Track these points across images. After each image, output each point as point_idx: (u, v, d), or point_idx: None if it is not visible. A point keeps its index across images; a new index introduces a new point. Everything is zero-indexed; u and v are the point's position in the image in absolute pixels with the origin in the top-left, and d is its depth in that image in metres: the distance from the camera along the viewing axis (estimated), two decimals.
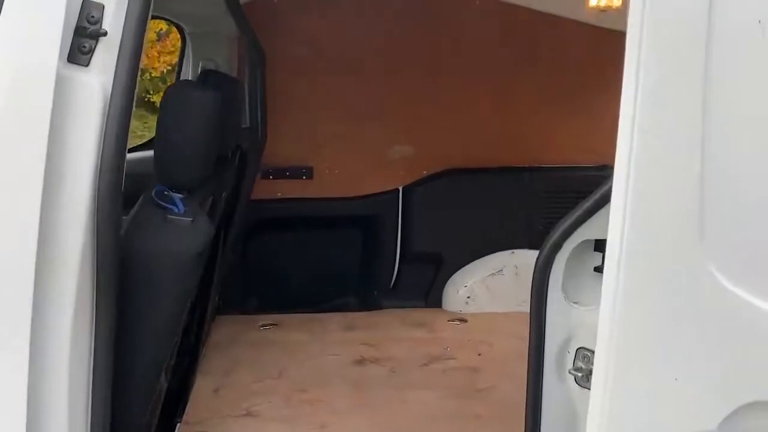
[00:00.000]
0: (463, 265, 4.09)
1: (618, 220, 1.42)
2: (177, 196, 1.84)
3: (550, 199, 4.03)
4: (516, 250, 4.08)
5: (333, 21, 3.81)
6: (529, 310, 1.75)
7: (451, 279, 4.09)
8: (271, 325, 3.78)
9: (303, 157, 3.97)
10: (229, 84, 2.89)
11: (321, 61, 3.84)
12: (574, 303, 1.78)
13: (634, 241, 1.40)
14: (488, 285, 4.06)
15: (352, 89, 3.89)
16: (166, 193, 1.83)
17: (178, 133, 1.83)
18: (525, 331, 1.75)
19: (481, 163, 4.03)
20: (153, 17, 3.76)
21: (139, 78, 1.57)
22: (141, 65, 1.57)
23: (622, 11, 3.81)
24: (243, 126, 3.11)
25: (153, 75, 9.86)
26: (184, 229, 1.76)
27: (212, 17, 3.37)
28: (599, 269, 1.78)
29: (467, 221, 4.01)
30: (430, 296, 4.12)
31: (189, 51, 3.69)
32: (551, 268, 1.71)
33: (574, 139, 4.06)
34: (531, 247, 4.06)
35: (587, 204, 1.66)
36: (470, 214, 4.00)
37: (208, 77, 3.12)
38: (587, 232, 1.71)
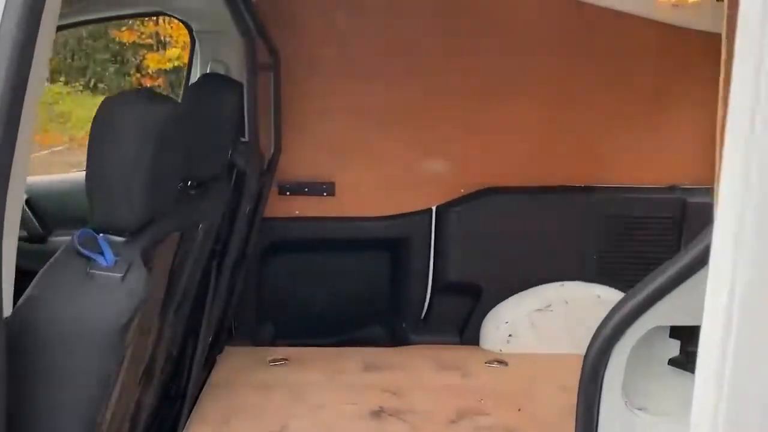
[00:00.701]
0: (505, 298, 3.56)
1: (722, 299, 0.86)
2: (110, 239, 1.41)
3: (607, 225, 3.48)
4: (566, 283, 3.53)
5: (358, 16, 3.35)
6: (582, 354, 1.31)
7: (490, 313, 3.57)
8: (282, 360, 3.34)
9: (324, 171, 3.52)
10: (224, 91, 2.46)
11: (344, 62, 3.39)
12: (639, 410, 1.26)
13: (748, 326, 0.84)
14: (533, 322, 3.52)
15: (380, 95, 3.42)
16: (93, 237, 1.40)
17: (110, 161, 1.40)
18: (574, 380, 1.33)
19: (527, 182, 3.49)
20: (159, 14, 3.37)
21: None
22: None
23: (699, 5, 3.27)
24: (242, 140, 2.67)
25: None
26: (108, 289, 1.32)
27: (221, 14, 2.96)
28: (678, 362, 1.27)
29: (510, 248, 3.49)
30: (466, 332, 3.61)
31: (197, 52, 3.28)
32: (608, 363, 1.20)
33: (638, 155, 3.49)
34: (584, 279, 3.53)
35: (663, 278, 1.14)
36: (514, 239, 3.48)
37: (204, 82, 2.71)
38: (659, 316, 1.18)
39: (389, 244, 3.64)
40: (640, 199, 3.46)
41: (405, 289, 3.66)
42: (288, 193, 3.51)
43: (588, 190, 3.48)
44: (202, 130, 2.11)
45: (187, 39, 3.56)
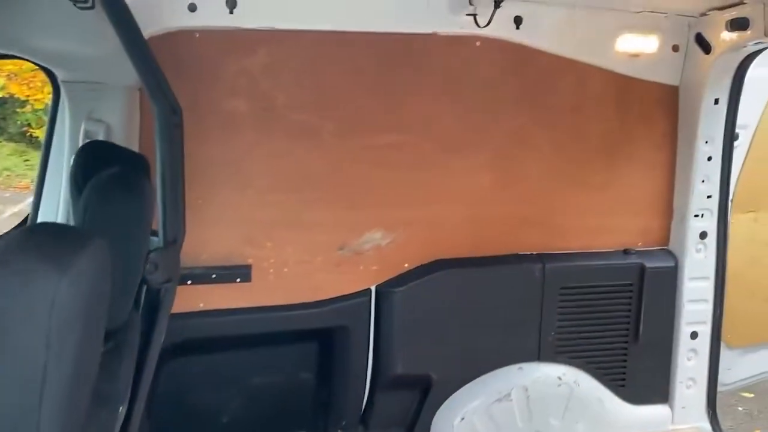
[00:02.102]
0: (459, 388, 3.05)
1: None
2: None
3: (566, 296, 3.10)
4: (524, 365, 3.10)
5: (281, 62, 2.70)
6: None
7: (443, 407, 3.04)
8: None
9: (237, 252, 2.80)
10: (131, 185, 1.72)
11: (264, 118, 2.72)
12: None
13: None
14: (492, 414, 3.04)
15: (307, 157, 2.79)
16: None
17: None
18: None
19: (479, 252, 3.02)
20: (12, 57, 2.42)
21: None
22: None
23: (658, 58, 3.00)
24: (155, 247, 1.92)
25: (36, 107, 8.28)
26: None
27: (99, 58, 2.19)
28: None
29: (463, 329, 3.00)
30: (416, 431, 3.05)
31: (65, 106, 2.44)
32: None
33: (595, 217, 3.15)
34: (544, 358, 3.11)
35: None
36: (467, 318, 2.99)
37: (88, 155, 1.93)
38: None
39: (320, 335, 2.99)
40: (596, 267, 3.13)
41: (339, 386, 3.02)
42: (189, 282, 2.73)
43: (545, 258, 3.07)
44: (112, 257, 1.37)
45: (14, 66, 2.67)
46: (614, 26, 2.89)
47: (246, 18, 2.55)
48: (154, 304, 2.01)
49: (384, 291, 2.94)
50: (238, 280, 2.80)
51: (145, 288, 1.95)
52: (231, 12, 2.50)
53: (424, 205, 2.94)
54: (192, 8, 2.50)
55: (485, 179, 2.97)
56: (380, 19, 2.72)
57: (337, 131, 2.80)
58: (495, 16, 2.59)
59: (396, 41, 2.75)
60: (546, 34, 2.84)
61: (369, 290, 2.94)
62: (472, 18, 2.66)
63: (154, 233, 1.96)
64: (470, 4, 2.54)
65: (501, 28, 2.75)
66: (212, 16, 2.53)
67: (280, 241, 2.82)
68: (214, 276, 2.77)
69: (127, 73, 2.01)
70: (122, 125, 2.36)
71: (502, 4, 2.50)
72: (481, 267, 3.01)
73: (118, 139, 2.37)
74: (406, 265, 2.96)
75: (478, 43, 2.80)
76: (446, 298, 2.97)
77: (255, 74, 2.64)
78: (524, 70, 2.89)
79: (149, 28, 2.31)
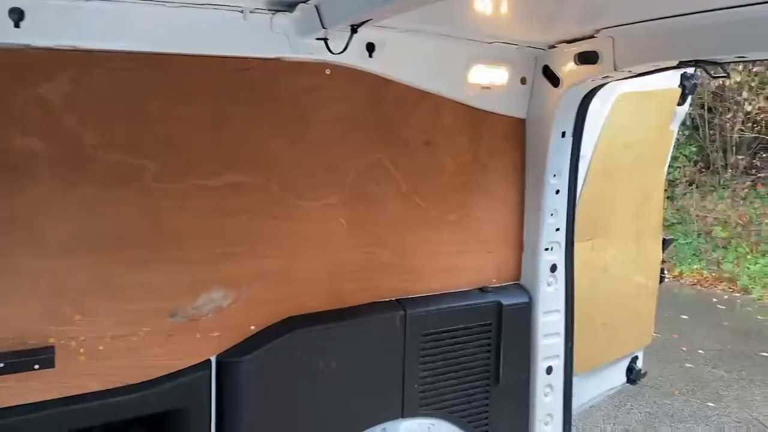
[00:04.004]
0: None
1: None
2: None
3: (428, 342, 2.88)
4: (388, 425, 2.82)
5: (87, 91, 2.13)
6: None
7: None
8: None
9: (34, 331, 2.17)
10: None
11: (66, 161, 2.13)
12: None
13: None
14: None
15: (124, 207, 2.25)
16: None
17: None
18: None
19: (335, 303, 2.68)
20: None
21: None
22: None
23: (507, 90, 2.90)
24: None
25: None
26: None
27: None
28: None
29: (320, 394, 2.63)
30: None
31: None
32: None
33: (452, 256, 2.97)
34: (407, 414, 2.85)
35: None
36: (324, 382, 2.64)
37: None
38: None
39: (147, 423, 2.43)
40: (456, 309, 2.94)
41: None
42: None
43: (403, 303, 2.82)
44: None
45: None
46: (467, 57, 2.74)
47: (38, 33, 1.96)
48: None
49: (227, 361, 2.47)
50: (37, 366, 2.17)
51: None
52: (17, 25, 1.91)
53: (271, 256, 2.53)
54: None
55: (339, 222, 2.64)
56: (213, 40, 2.28)
57: (161, 174, 2.29)
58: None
59: (233, 67, 2.32)
60: (399, 63, 2.60)
61: (209, 362, 2.45)
62: (322, 43, 2.33)
63: None
64: (322, 26, 2.20)
65: (352, 56, 2.45)
66: None
67: (92, 313, 2.23)
68: (2, 365, 2.11)
69: None
70: None
71: (358, 29, 2.20)
72: (338, 321, 2.67)
73: None
74: (253, 327, 2.52)
75: (327, 71, 2.47)
76: (300, 361, 2.59)
77: (53, 105, 2.06)
78: (377, 102, 2.62)
79: None
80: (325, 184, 2.60)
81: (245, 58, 2.34)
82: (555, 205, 3.04)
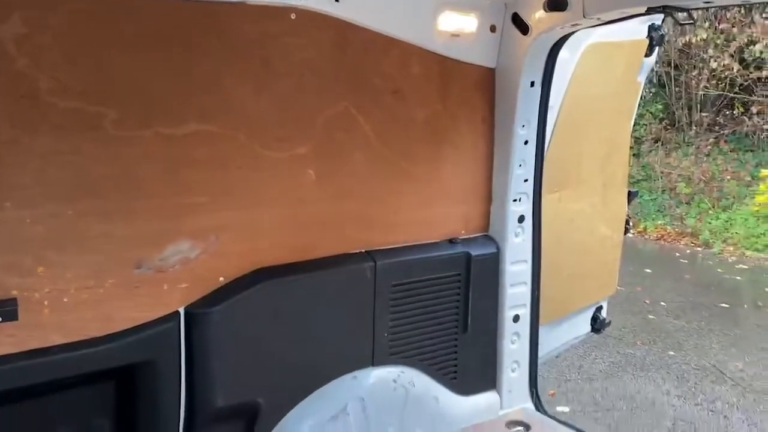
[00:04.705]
0: (289, 410, 2.69)
1: None
2: None
3: (398, 293, 2.89)
4: (359, 372, 2.85)
5: (43, 33, 2.04)
6: None
7: None
8: None
9: None
10: None
11: (22, 108, 2.05)
12: None
13: None
14: None
15: (85, 156, 2.18)
16: None
17: None
18: None
19: (305, 255, 2.67)
20: None
21: None
22: None
23: (476, 38, 2.87)
24: None
25: None
26: None
27: None
28: None
29: (291, 344, 2.64)
30: None
31: None
32: None
33: (421, 208, 2.97)
34: (378, 362, 2.88)
35: None
36: (295, 332, 2.64)
37: None
38: None
39: (115, 376, 2.41)
40: (425, 259, 2.96)
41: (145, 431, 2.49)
42: None
43: (373, 255, 2.82)
44: None
45: None
46: (436, 3, 2.69)
47: None
48: None
49: (195, 313, 2.45)
50: (0, 319, 2.12)
51: None
52: None
53: (239, 207, 2.50)
54: None
55: (307, 174, 2.61)
56: None
57: (122, 122, 2.23)
58: None
59: (196, 10, 2.25)
60: (366, 8, 2.55)
61: (177, 313, 2.43)
62: None
63: None
64: None
65: (318, 0, 2.39)
66: None
67: (55, 265, 2.19)
68: None
69: None
70: None
71: None
72: (308, 272, 2.66)
73: None
74: (221, 279, 2.50)
75: (293, 16, 2.41)
76: (270, 312, 2.58)
77: (6, 48, 1.97)
78: (344, 49, 2.57)
79: None
80: (292, 134, 2.56)
81: (209, 1, 2.27)
82: (523, 156, 3.05)
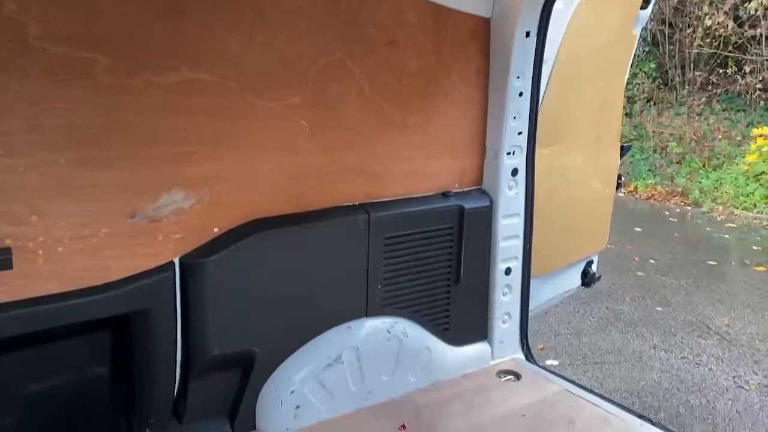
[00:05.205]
0: (284, 359, 2.73)
1: None
2: None
3: (391, 245, 2.91)
4: (353, 323, 2.88)
5: None
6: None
7: (268, 383, 2.71)
8: None
9: None
10: None
11: (10, 53, 2.02)
12: None
13: None
14: (324, 382, 2.79)
15: (76, 104, 2.15)
16: None
17: None
18: None
19: (299, 206, 2.68)
20: None
21: None
22: None
23: None
24: None
25: None
26: None
27: None
28: None
29: (286, 294, 2.66)
30: (239, 416, 2.68)
31: None
32: None
33: (416, 161, 2.97)
34: (371, 314, 2.92)
35: None
36: (289, 283, 2.66)
37: None
38: None
39: (111, 325, 2.44)
40: (419, 212, 2.97)
41: (143, 379, 2.52)
42: None
43: (367, 207, 2.83)
44: None
45: None
46: None
47: None
48: None
49: (190, 263, 2.46)
50: None
51: None
52: None
53: (233, 157, 2.49)
54: None
55: (300, 124, 2.60)
56: None
57: (113, 69, 2.20)
58: None
59: None
60: None
61: (172, 264, 2.44)
62: None
63: None
64: None
65: None
66: None
67: (49, 214, 2.18)
68: None
69: None
70: None
71: None
72: (302, 224, 2.67)
73: None
74: (216, 229, 2.51)
75: None
76: (265, 263, 2.60)
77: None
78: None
79: None
80: (285, 83, 2.53)
81: None
82: (518, 108, 3.04)
